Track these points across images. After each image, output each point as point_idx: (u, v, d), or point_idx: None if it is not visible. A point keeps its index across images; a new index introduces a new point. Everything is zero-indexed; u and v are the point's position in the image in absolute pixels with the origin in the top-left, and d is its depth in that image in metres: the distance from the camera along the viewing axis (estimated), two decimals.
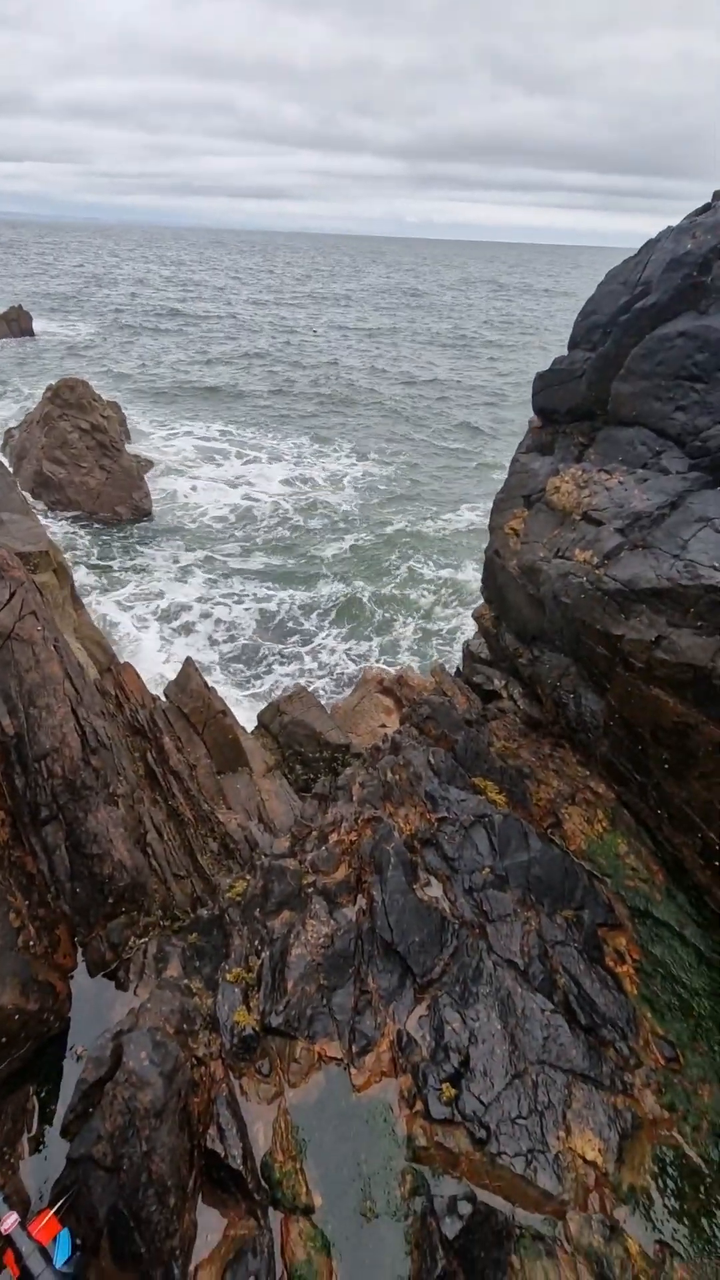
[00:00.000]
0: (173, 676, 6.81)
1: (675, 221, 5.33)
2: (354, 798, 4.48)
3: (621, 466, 4.75)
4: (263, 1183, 2.80)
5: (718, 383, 4.36)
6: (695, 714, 3.65)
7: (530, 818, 4.25)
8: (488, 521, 5.89)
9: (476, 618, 5.82)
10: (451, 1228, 2.60)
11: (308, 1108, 3.04)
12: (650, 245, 5.43)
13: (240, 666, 17.80)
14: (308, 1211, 2.75)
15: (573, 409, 5.55)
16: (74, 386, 26.53)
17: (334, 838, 4.19)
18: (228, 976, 3.50)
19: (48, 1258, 2.21)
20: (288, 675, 17.63)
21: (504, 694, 5.36)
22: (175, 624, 19.82)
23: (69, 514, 24.92)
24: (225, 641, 18.98)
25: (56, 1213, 2.40)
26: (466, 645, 6.11)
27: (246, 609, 20.55)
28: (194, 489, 28.28)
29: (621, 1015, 3.40)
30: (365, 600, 21.35)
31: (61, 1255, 2.28)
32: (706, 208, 5.10)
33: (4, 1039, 2.98)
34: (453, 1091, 2.99)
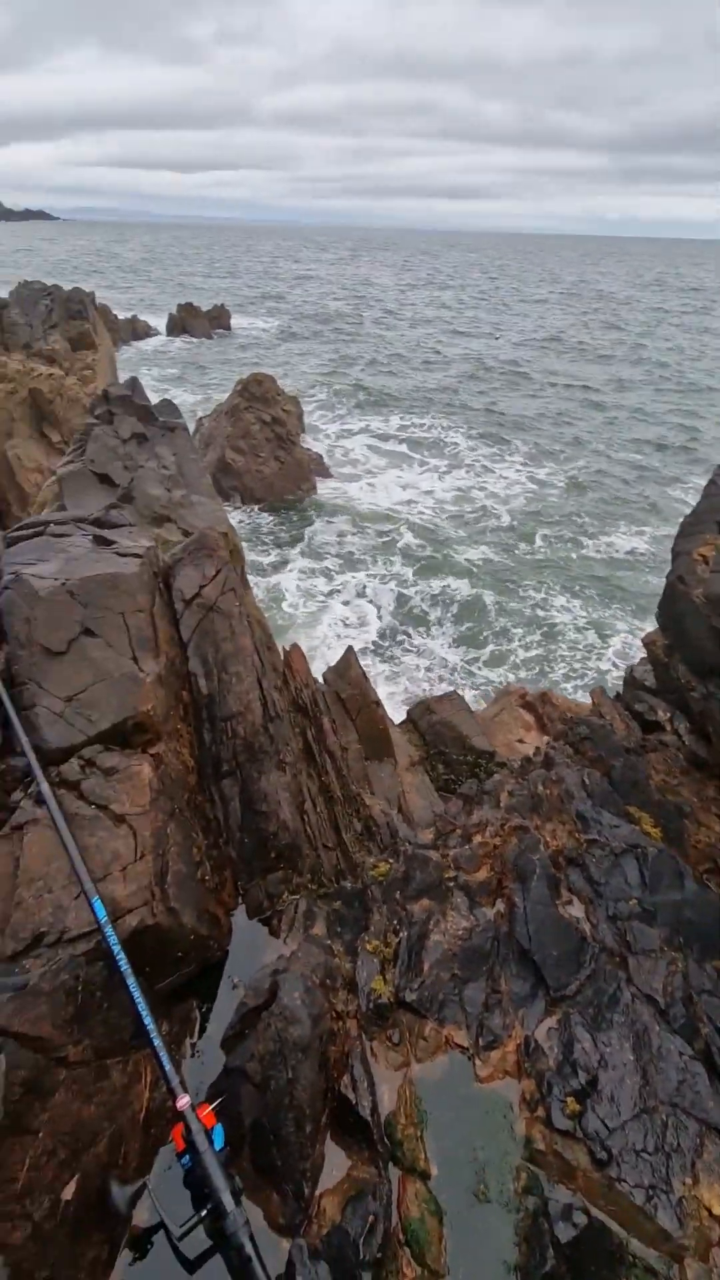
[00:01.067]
0: (314, 657, 7.21)
1: None
2: (501, 804, 4.58)
3: None
4: (385, 1139, 3.03)
5: None
6: None
7: (686, 859, 4.10)
8: (657, 547, 5.67)
9: (647, 644, 5.63)
10: (565, 1233, 2.66)
11: (431, 1084, 3.23)
12: None
13: (375, 656, 18.41)
14: (424, 1177, 2.93)
15: None
16: (261, 381, 28.36)
17: (478, 839, 4.32)
18: (367, 947, 3.77)
19: (210, 1139, 2.57)
20: (414, 670, 17.96)
21: (668, 726, 5.17)
22: (324, 608, 20.76)
23: (243, 499, 26.80)
24: (365, 630, 19.67)
25: (214, 1109, 2.77)
26: (630, 671, 5.93)
27: (388, 603, 21.10)
28: (360, 485, 29.28)
29: None
30: (497, 609, 21.05)
31: (217, 1143, 2.64)
32: None
33: (180, 954, 3.44)
34: (577, 1107, 3.03)
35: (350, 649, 7.01)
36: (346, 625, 19.27)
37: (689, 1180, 2.87)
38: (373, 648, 18.27)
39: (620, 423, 39.99)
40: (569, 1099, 3.07)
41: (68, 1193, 2.57)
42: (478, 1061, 3.29)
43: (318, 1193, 2.89)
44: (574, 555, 24.01)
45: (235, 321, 64.97)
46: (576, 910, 3.79)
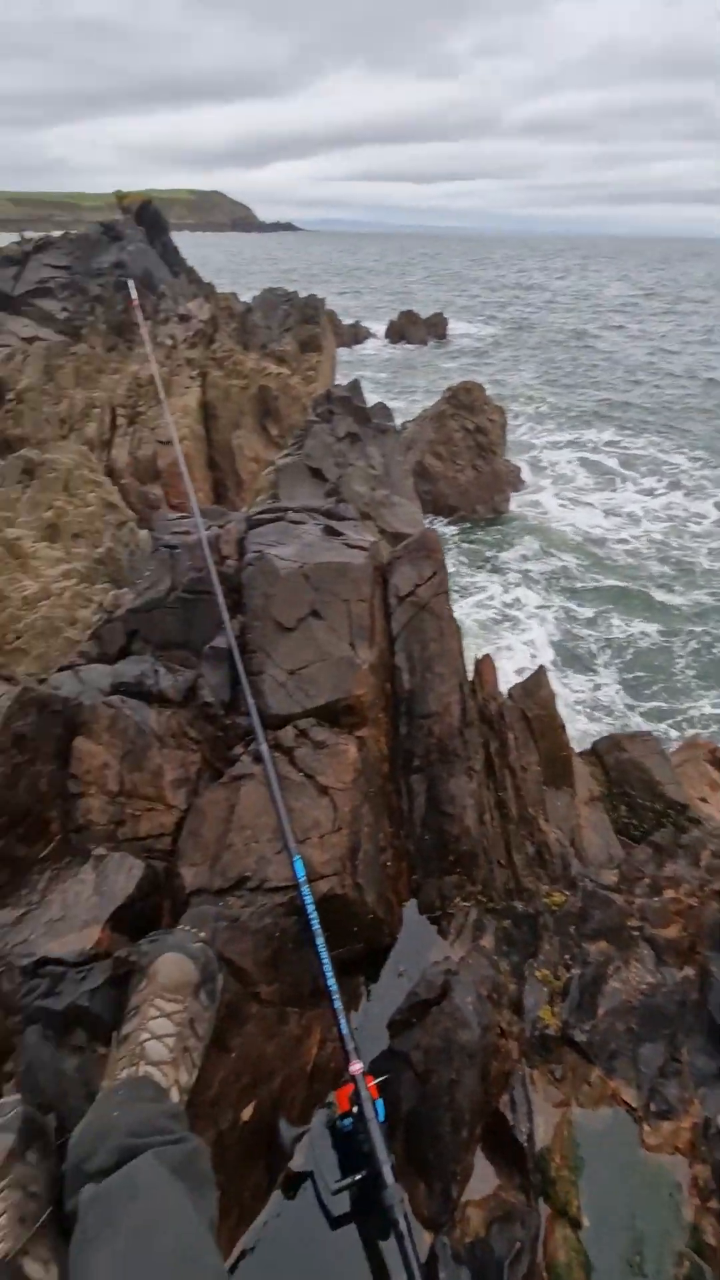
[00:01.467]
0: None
1: None
2: (700, 863, 4.22)
3: None
4: (537, 1171, 2.95)
5: None
6: None
7: None
8: None
9: None
10: None
11: (592, 1133, 3.09)
12: None
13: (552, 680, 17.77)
14: (575, 1225, 2.82)
15: None
16: (470, 389, 28.45)
17: (669, 893, 4.03)
18: (536, 974, 3.68)
19: (375, 1110, 2.68)
20: (570, 706, 17.07)
21: None
22: (495, 626, 20.42)
23: (435, 506, 27.09)
24: (535, 655, 19.09)
25: (377, 1084, 2.88)
26: None
27: (559, 632, 20.23)
28: (558, 504, 28.31)
29: None
30: (689, 657, 19.12)
31: (379, 1117, 2.74)
32: None
33: (355, 929, 3.62)
34: None
35: (542, 668, 6.83)
36: (525, 644, 18.76)
37: None
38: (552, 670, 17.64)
39: None
40: None
41: (246, 1114, 2.83)
42: (646, 1127, 3.08)
43: (464, 1199, 2.90)
44: None
45: (452, 329, 65.69)
46: None
